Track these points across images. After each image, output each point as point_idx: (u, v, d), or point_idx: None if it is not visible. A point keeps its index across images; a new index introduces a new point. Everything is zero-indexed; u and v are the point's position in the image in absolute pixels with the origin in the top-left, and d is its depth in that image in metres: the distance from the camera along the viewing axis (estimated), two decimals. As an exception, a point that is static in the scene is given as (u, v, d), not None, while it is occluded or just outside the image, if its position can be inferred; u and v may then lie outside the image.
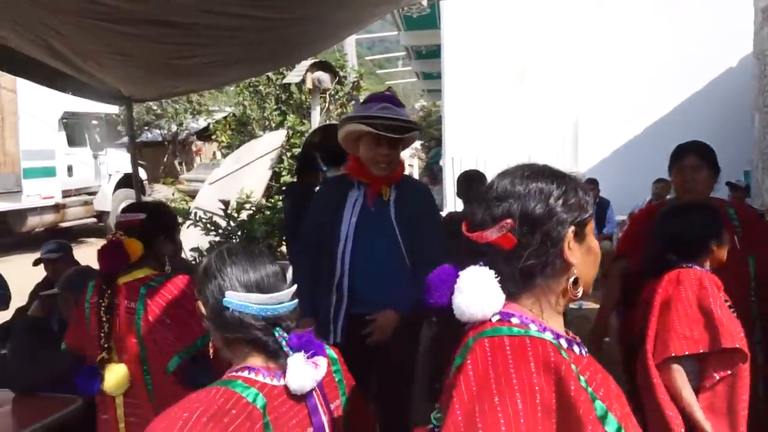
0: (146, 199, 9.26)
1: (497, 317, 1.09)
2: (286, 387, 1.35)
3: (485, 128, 9.88)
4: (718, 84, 9.22)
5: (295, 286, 1.46)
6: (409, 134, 2.72)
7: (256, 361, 1.38)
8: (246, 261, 1.43)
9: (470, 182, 3.90)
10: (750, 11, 7.87)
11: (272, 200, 8.08)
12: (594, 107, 9.64)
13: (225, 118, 11.65)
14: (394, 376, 2.82)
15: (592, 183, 7.95)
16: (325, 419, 1.40)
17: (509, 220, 1.11)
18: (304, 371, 1.34)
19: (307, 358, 1.37)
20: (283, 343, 1.37)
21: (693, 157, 2.70)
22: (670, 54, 9.22)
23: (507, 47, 9.87)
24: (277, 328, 1.37)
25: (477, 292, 1.10)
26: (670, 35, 9.19)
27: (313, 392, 1.39)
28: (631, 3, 9.32)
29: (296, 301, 1.45)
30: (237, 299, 1.37)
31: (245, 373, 1.35)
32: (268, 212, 6.97)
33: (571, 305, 7.21)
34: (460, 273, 1.14)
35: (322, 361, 1.38)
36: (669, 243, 2.27)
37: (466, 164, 6.00)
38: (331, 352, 1.52)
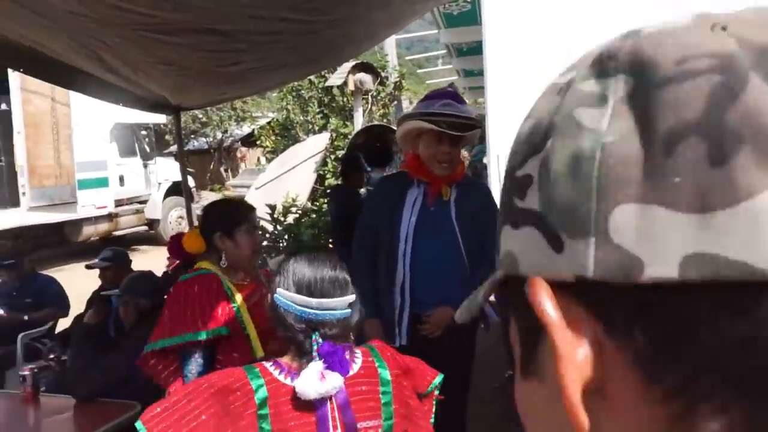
0: (195, 206, 9.43)
1: None
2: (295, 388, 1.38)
3: (530, 124, 9.68)
4: None
5: (353, 296, 1.46)
6: (471, 132, 2.66)
7: (287, 357, 1.44)
8: (306, 262, 1.46)
9: None
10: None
11: (317, 203, 8.11)
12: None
13: (269, 123, 11.79)
14: (451, 379, 2.77)
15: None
16: None
17: None
18: (310, 379, 1.36)
19: (325, 369, 1.38)
20: (315, 347, 1.39)
21: None
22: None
23: (550, 41, 9.64)
24: (316, 333, 1.39)
25: None
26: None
27: (327, 403, 1.39)
28: (671, 6, 8.99)
29: (348, 311, 1.44)
30: (283, 297, 1.42)
31: (268, 364, 1.42)
32: (314, 215, 7.00)
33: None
34: None
35: (332, 377, 1.38)
36: None
37: (512, 161, 5.91)
38: (386, 373, 1.50)
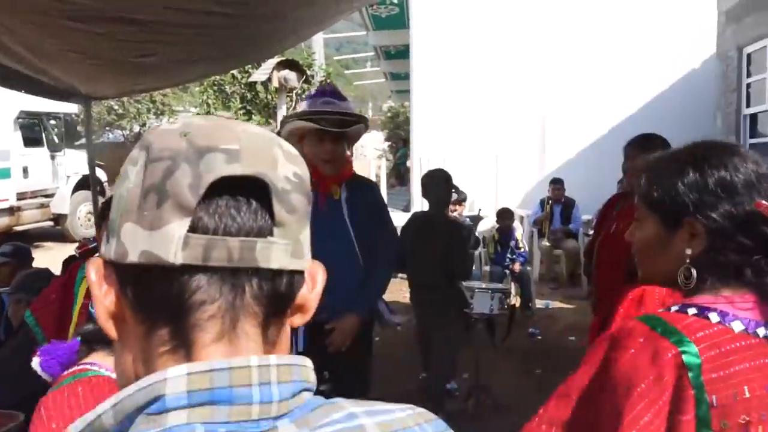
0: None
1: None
2: None
3: (453, 129, 9.88)
4: (682, 85, 9.39)
5: None
6: (351, 128, 2.63)
7: None
8: None
9: (434, 182, 3.87)
10: (713, 14, 8.03)
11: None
12: (560, 108, 9.72)
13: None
14: (351, 380, 2.77)
15: (558, 183, 8.03)
16: None
17: None
18: None
19: None
20: None
21: (637, 147, 2.57)
22: (635, 55, 9.35)
23: (475, 48, 9.88)
24: None
25: None
26: (635, 37, 9.32)
27: None
28: (596, 6, 9.42)
29: None
30: None
31: None
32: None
33: (539, 304, 7.22)
34: None
35: None
36: None
37: (434, 165, 5.97)
38: None
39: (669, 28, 9.18)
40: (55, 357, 1.43)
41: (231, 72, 8.89)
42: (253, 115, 8.90)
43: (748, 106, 7.39)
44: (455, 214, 6.24)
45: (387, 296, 8.00)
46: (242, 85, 9.30)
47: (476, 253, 6.64)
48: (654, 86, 9.48)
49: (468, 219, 6.69)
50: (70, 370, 1.36)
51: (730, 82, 7.56)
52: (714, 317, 0.97)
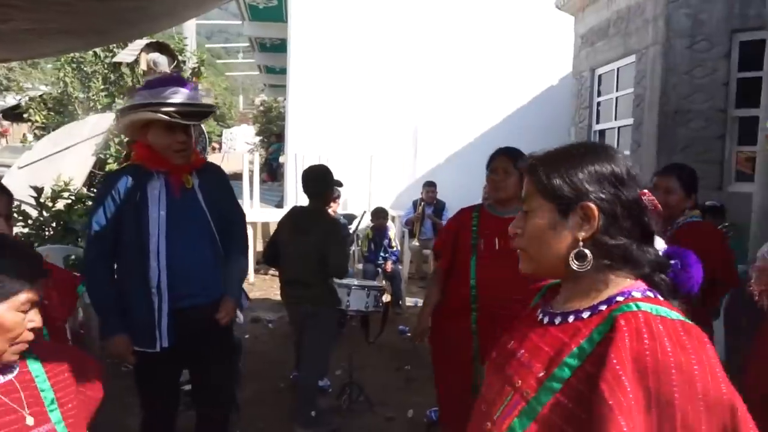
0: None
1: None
2: None
3: (329, 127, 9.88)
4: (541, 99, 10.11)
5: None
6: (206, 119, 2.64)
7: None
8: None
9: (316, 177, 3.84)
10: (570, 36, 8.72)
11: (95, 189, 7.34)
12: (432, 116, 10.10)
13: (41, 96, 10.36)
14: (220, 373, 2.73)
15: (431, 185, 8.30)
16: None
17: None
18: None
19: None
20: None
21: (505, 159, 2.81)
22: (501, 70, 9.94)
23: (353, 49, 9.95)
24: None
25: None
26: (501, 54, 9.90)
27: None
28: (466, 24, 9.88)
29: None
30: None
31: None
32: (90, 202, 6.30)
33: (409, 302, 7.40)
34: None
35: None
36: None
37: (309, 161, 5.91)
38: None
39: (532, 47, 9.85)
40: None
41: (93, 50, 8.20)
42: (116, 98, 8.27)
43: (597, 122, 8.12)
44: (330, 210, 6.23)
45: (258, 294, 7.84)
46: (105, 66, 8.61)
47: (350, 250, 6.68)
48: (517, 99, 10.13)
49: (342, 216, 6.70)
50: None
51: (583, 100, 8.26)
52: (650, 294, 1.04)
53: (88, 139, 7.55)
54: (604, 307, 1.02)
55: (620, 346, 0.92)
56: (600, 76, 8.03)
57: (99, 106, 8.61)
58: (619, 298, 1.02)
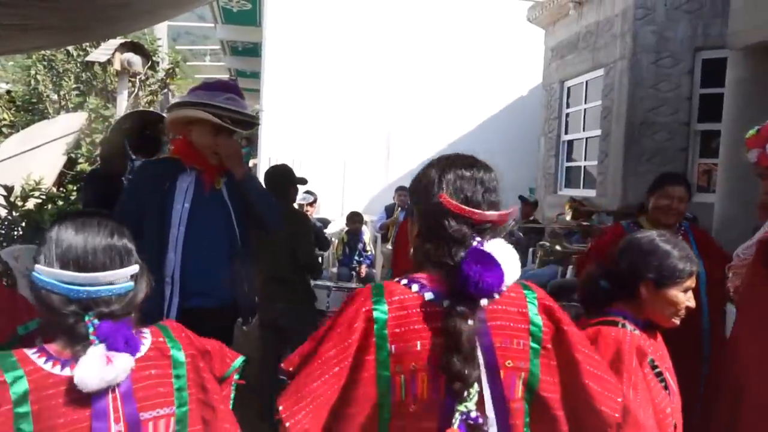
0: None
1: None
2: (71, 379, 1.17)
3: (303, 131, 9.93)
4: (511, 109, 10.35)
5: (135, 267, 1.31)
6: (252, 129, 2.70)
7: (56, 343, 1.22)
8: (74, 230, 1.25)
9: (278, 175, 3.91)
10: (541, 48, 8.96)
11: (66, 189, 7.22)
12: (405, 123, 10.24)
13: (8, 93, 10.15)
14: None
15: (404, 190, 8.41)
16: (115, 429, 1.20)
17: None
18: (93, 366, 1.16)
19: (109, 351, 1.19)
20: (90, 330, 1.19)
21: None
22: (473, 80, 10.15)
23: (327, 55, 10.02)
24: (90, 313, 1.20)
25: (515, 259, 1.26)
26: (473, 63, 10.11)
27: (108, 394, 1.20)
28: (440, 33, 10.07)
29: (131, 284, 1.28)
30: (44, 275, 1.21)
31: (30, 351, 1.20)
32: (61, 202, 6.22)
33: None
34: (491, 247, 1.24)
35: (120, 359, 1.19)
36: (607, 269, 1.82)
37: (284, 165, 6.01)
38: (179, 354, 1.33)
39: (503, 58, 10.08)
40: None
41: (66, 48, 8.09)
42: (88, 97, 8.17)
43: (566, 133, 8.35)
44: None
45: (230, 296, 7.80)
46: (78, 64, 8.50)
47: (325, 254, 6.73)
48: (488, 108, 10.34)
49: (317, 221, 6.76)
50: None
51: (553, 111, 8.50)
52: (415, 287, 1.26)
53: (59, 139, 7.44)
54: None
55: None
56: (569, 88, 8.27)
57: (71, 105, 8.48)
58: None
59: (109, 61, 7.57)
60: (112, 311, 1.23)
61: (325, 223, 7.23)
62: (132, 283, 1.28)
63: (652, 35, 6.28)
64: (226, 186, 2.67)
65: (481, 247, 1.22)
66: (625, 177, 6.40)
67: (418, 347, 1.22)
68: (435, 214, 1.26)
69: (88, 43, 7.76)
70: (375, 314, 1.23)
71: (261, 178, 10.25)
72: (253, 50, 13.24)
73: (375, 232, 8.34)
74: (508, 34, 10.04)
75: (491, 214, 1.27)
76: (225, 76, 23.42)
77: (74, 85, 8.31)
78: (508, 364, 1.23)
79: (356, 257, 6.85)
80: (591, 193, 7.30)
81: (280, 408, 1.23)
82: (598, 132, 7.17)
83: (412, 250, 1.34)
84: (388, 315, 1.23)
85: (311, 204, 6.75)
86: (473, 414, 1.19)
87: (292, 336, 3.77)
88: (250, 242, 2.74)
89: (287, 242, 3.61)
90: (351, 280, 6.58)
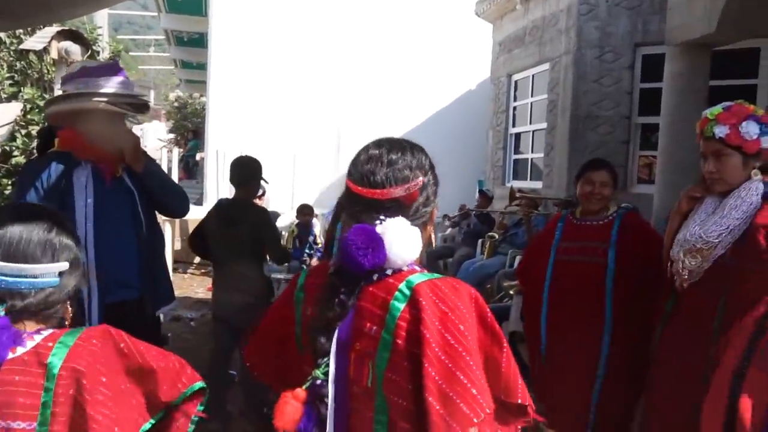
0: None
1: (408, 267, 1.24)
2: None
3: (251, 124, 9.77)
4: (460, 103, 10.47)
5: (64, 264, 1.25)
6: (146, 112, 2.66)
7: None
8: (9, 218, 1.23)
9: (245, 167, 3.87)
10: (489, 42, 9.09)
11: (0, 182, 6.90)
12: (355, 115, 10.21)
13: (-67, 82, 9.57)
14: None
15: (355, 184, 8.41)
16: None
17: (421, 179, 1.28)
18: None
19: None
20: None
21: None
22: (421, 74, 10.21)
23: (276, 46, 9.89)
24: (3, 304, 1.17)
25: (408, 241, 1.21)
26: (422, 58, 10.17)
27: None
28: (388, 28, 10.08)
29: (55, 281, 1.23)
30: None
31: None
32: (-4, 196, 5.94)
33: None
34: (384, 226, 1.21)
35: None
36: None
37: (231, 158, 5.85)
38: (55, 364, 1.16)
39: (452, 52, 10.18)
40: None
41: (-2, 35, 7.69)
42: (23, 87, 7.79)
43: (513, 126, 8.51)
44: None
45: (178, 292, 7.63)
46: (11, 53, 8.10)
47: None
48: (437, 102, 10.43)
49: (267, 213, 6.67)
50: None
51: (500, 104, 8.64)
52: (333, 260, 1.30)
53: (-8, 130, 7.08)
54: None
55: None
56: (516, 82, 8.43)
57: (4, 96, 8.08)
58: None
59: (46, 50, 7.24)
60: (26, 305, 1.19)
61: (275, 216, 7.13)
62: (57, 280, 1.23)
63: (595, 31, 6.45)
64: (127, 172, 2.55)
65: (374, 225, 1.21)
66: (570, 169, 6.57)
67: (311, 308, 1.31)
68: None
69: (21, 30, 7.41)
70: (298, 279, 1.38)
71: (208, 171, 10.05)
72: (199, 41, 12.93)
73: (326, 225, 8.30)
74: (456, 28, 10.14)
75: (377, 191, 1.23)
76: (169, 68, 22.79)
77: (7, 75, 7.92)
78: (357, 347, 1.19)
79: (307, 250, 6.81)
80: (538, 184, 7.46)
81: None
82: (545, 125, 7.34)
83: None
84: (305, 280, 1.36)
85: (260, 197, 6.66)
86: (318, 382, 1.20)
87: (245, 331, 3.72)
88: (157, 225, 2.70)
89: (249, 238, 3.56)
90: (302, 274, 6.54)
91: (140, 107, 2.59)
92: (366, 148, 1.34)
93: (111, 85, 2.43)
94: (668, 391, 2.24)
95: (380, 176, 1.25)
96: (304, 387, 1.20)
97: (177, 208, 2.74)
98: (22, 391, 1.13)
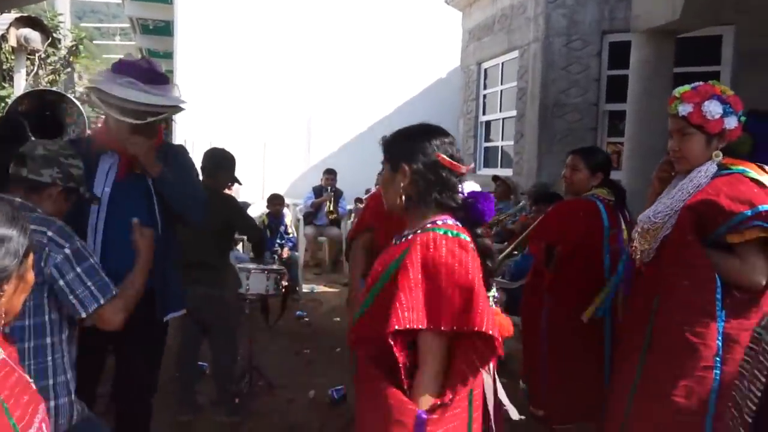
0: None
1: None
2: None
3: (220, 113, 9.63)
4: (430, 91, 10.45)
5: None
6: (157, 117, 2.48)
7: None
8: None
9: (218, 158, 3.83)
10: (458, 30, 9.09)
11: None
12: (325, 104, 10.15)
13: None
14: (134, 381, 2.62)
15: (331, 173, 8.38)
16: None
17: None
18: None
19: None
20: None
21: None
22: (391, 63, 10.18)
23: (244, 34, 9.74)
24: None
25: None
26: (392, 47, 10.13)
27: None
28: (358, 17, 10.01)
29: None
30: None
31: None
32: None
33: (305, 288, 7.41)
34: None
35: None
36: None
37: (200, 147, 5.75)
38: None
39: (422, 41, 10.15)
40: None
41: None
42: (-19, 76, 7.56)
43: (484, 113, 8.55)
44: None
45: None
46: (-32, 40, 7.85)
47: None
48: (407, 91, 10.41)
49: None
50: None
51: (471, 92, 8.66)
52: (450, 221, 1.60)
53: (-52, 121, 6.84)
54: (418, 231, 1.57)
55: (413, 251, 1.52)
56: (486, 70, 8.45)
57: (-40, 85, 7.81)
58: (428, 225, 1.57)
59: (4, 37, 7.03)
60: None
61: (246, 206, 7.05)
62: None
63: (563, 18, 6.49)
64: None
65: (469, 190, 1.69)
66: (539, 156, 6.63)
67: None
68: (432, 169, 1.59)
69: (-22, 17, 7.17)
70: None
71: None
72: (165, 29, 12.66)
73: (299, 213, 8.25)
74: (426, 16, 10.11)
75: (465, 167, 1.64)
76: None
77: (-35, 63, 7.67)
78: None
79: (278, 240, 6.75)
80: (508, 172, 7.52)
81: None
82: (514, 113, 7.38)
83: (402, 200, 1.63)
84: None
85: (229, 186, 6.57)
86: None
87: (212, 324, 3.68)
88: (173, 233, 2.63)
89: (216, 227, 3.50)
90: (273, 263, 6.48)
91: (147, 115, 2.45)
92: (442, 135, 1.67)
93: (117, 85, 2.37)
94: (616, 368, 2.35)
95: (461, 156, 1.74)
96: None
97: (189, 219, 2.67)
98: None
